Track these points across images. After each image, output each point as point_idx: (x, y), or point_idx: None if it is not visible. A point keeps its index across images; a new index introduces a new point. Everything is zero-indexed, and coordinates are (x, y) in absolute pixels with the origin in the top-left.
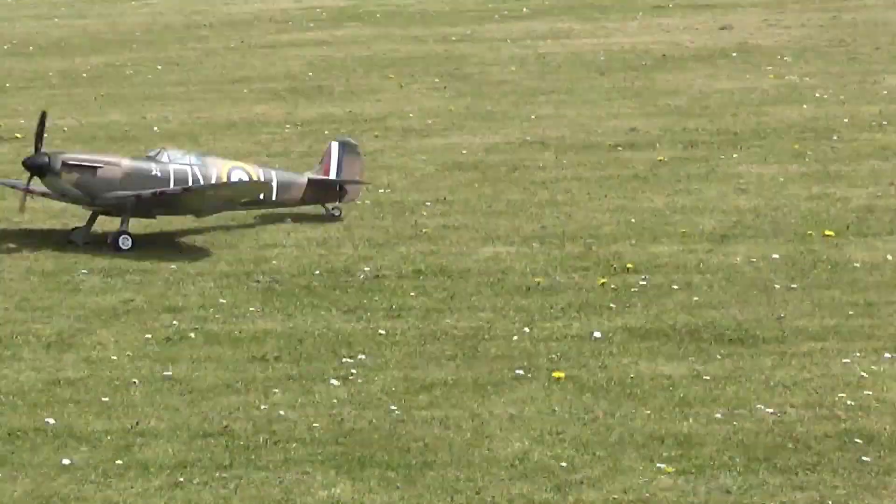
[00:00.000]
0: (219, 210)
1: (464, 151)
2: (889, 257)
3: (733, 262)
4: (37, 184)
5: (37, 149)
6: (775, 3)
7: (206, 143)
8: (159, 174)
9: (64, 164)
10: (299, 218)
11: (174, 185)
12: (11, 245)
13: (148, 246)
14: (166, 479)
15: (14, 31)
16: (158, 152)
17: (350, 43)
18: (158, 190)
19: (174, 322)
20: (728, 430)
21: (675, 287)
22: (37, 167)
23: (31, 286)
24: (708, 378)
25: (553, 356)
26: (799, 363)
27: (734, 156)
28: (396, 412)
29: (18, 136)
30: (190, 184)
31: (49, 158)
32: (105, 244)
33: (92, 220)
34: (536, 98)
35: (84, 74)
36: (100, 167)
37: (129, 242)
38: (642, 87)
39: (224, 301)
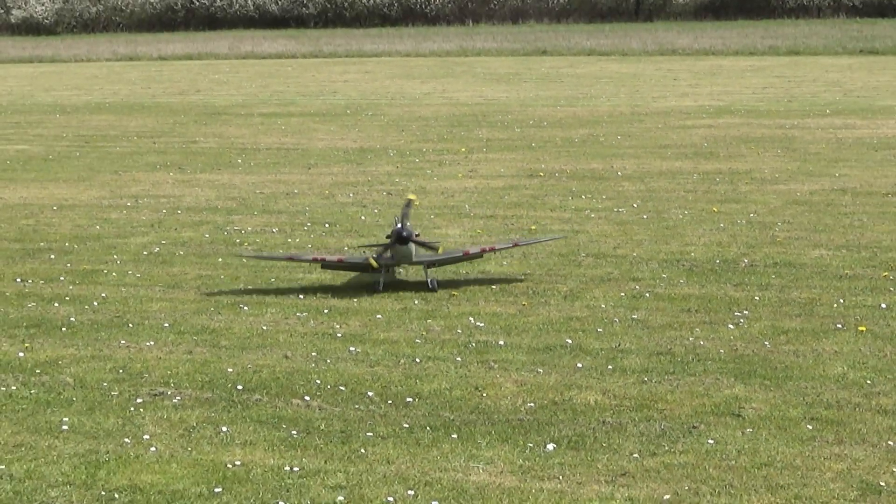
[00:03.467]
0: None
1: (798, 194)
2: None
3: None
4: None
5: (403, 224)
6: None
7: (648, 183)
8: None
9: (415, 235)
10: (700, 222)
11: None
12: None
13: (629, 247)
14: (637, 378)
15: (534, 114)
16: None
17: (727, 127)
18: (488, 247)
19: (636, 287)
20: None
21: None
22: (405, 238)
23: (553, 263)
24: None
25: (857, 317)
26: None
27: None
28: (768, 346)
29: (541, 174)
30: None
31: (409, 232)
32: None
33: (389, 274)
34: (839, 164)
35: (576, 140)
36: (417, 235)
37: (436, 284)
38: None
39: (665, 276)
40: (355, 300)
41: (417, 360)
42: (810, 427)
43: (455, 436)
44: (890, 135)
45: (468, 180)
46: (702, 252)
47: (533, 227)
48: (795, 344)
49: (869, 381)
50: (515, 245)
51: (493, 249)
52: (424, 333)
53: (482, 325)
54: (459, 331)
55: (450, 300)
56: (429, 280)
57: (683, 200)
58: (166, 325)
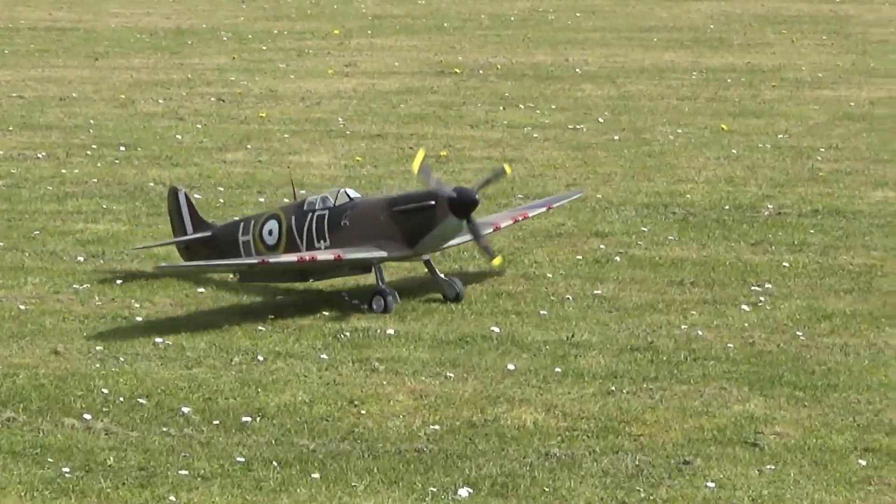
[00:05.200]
0: None
1: (852, 104)
2: None
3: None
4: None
5: (476, 188)
6: None
7: (622, 85)
8: None
9: None
10: (700, 146)
11: None
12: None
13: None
14: (599, 387)
15: None
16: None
17: (745, 0)
18: (520, 215)
19: (601, 246)
20: None
21: None
22: (474, 205)
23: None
24: None
25: None
26: None
27: None
28: (801, 337)
29: (457, 70)
30: None
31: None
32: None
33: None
34: None
35: (512, 18)
36: None
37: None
38: None
39: (645, 229)
40: (165, 263)
41: (260, 357)
42: (863, 463)
43: (317, 475)
44: None
45: (343, 80)
46: (703, 193)
47: (443, 154)
48: (844, 335)
49: None
50: (549, 208)
51: (525, 217)
52: (272, 317)
53: (362, 304)
54: (326, 313)
55: None
56: (453, 283)
57: (676, 113)
58: None
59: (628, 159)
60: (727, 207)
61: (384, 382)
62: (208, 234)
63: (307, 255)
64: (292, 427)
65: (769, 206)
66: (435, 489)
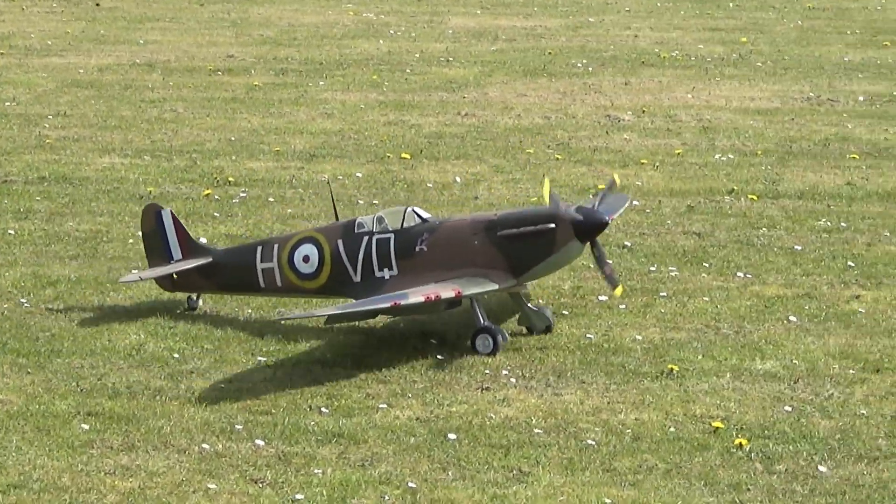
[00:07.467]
0: None
1: (81, 71)
2: (458, 179)
3: (321, 179)
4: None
5: (597, 205)
6: None
7: None
8: None
9: None
10: None
11: None
12: None
13: None
14: None
15: None
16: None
17: None
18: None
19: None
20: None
21: (272, 199)
22: (604, 227)
23: None
24: None
25: None
26: None
27: (320, 83)
28: (26, 305)
29: None
30: None
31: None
32: None
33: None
34: (144, 24)
35: None
36: None
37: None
38: (238, 17)
39: None
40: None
41: None
42: (86, 427)
43: None
44: None
45: None
46: None
47: None
48: (69, 301)
49: (177, 355)
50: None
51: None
52: None
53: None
54: None
55: None
56: (543, 313)
57: None
58: None
59: None
60: None
61: None
62: (208, 259)
63: (432, 294)
64: None
65: None
66: None
